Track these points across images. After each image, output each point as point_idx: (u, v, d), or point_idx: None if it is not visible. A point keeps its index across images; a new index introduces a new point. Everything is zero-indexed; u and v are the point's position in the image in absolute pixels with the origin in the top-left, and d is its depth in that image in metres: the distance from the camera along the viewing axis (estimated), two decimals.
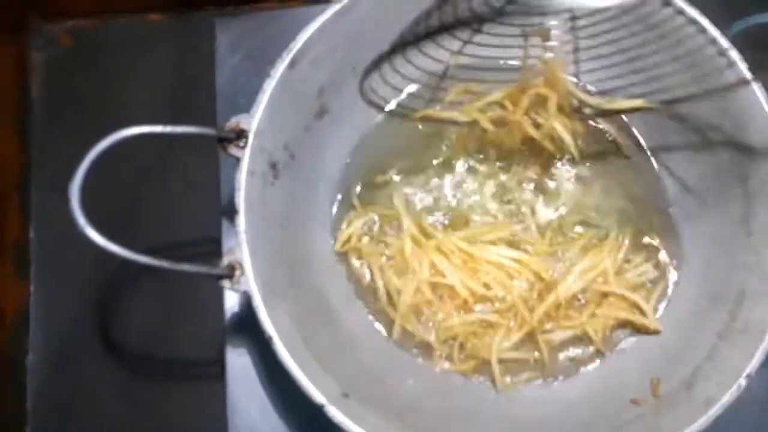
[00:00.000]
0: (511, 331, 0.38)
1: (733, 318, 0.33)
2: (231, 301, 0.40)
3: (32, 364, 0.43)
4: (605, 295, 0.38)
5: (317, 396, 0.30)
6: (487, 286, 0.38)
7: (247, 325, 0.39)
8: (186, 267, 0.30)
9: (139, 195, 0.45)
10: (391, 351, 0.38)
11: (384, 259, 0.39)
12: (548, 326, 0.38)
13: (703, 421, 0.30)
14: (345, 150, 0.39)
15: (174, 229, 0.44)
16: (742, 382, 0.30)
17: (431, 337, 0.38)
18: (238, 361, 0.39)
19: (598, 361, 0.38)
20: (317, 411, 0.30)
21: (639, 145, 0.42)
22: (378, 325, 0.39)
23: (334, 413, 0.30)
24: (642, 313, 0.37)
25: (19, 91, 0.48)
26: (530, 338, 0.38)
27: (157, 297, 0.44)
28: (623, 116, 0.42)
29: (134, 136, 0.30)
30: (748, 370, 0.30)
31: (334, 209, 0.39)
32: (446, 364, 0.38)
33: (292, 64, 0.33)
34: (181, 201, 0.45)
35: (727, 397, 0.30)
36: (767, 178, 0.34)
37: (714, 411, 0.30)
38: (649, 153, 0.41)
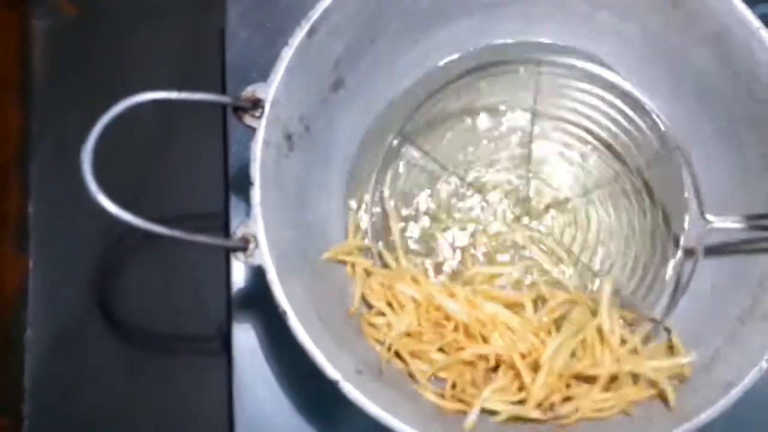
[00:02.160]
0: (509, 388, 0.34)
1: (756, 302, 0.33)
2: (237, 276, 0.40)
3: (31, 340, 0.43)
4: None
5: (332, 372, 0.30)
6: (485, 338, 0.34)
7: (253, 300, 0.39)
8: (200, 238, 0.29)
9: (141, 169, 0.44)
10: None
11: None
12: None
13: (723, 403, 0.29)
14: (360, 124, 0.39)
15: (177, 204, 0.43)
16: (764, 365, 0.30)
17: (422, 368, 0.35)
18: (244, 337, 0.39)
19: None
20: (325, 388, 0.29)
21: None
22: None
23: (349, 389, 0.30)
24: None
25: (20, 62, 0.47)
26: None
27: (157, 272, 0.43)
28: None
29: (148, 101, 0.29)
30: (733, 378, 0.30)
31: (348, 183, 0.39)
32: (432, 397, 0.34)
33: (311, 33, 0.32)
34: (183, 175, 0.44)
35: (747, 380, 0.29)
36: None
37: (734, 393, 0.29)
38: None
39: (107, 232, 0.44)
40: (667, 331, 0.35)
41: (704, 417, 0.29)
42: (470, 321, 0.34)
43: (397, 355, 0.35)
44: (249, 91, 0.31)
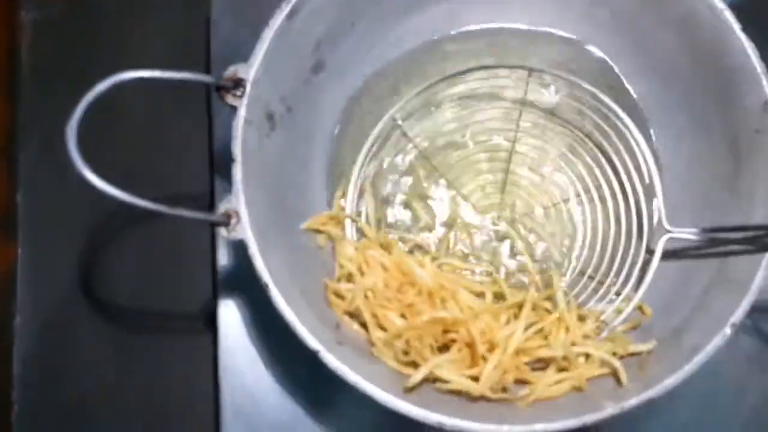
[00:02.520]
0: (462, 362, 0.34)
1: (720, 273, 0.34)
2: (223, 257, 0.40)
3: (19, 327, 0.43)
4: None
5: (313, 343, 0.30)
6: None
7: (238, 279, 0.40)
8: (183, 212, 0.30)
9: (127, 152, 0.45)
10: None
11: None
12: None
13: (689, 368, 0.30)
14: (341, 106, 0.40)
15: (163, 185, 0.44)
16: (728, 330, 0.31)
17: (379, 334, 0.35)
18: (230, 316, 0.39)
19: None
20: (309, 365, 0.30)
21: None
22: None
23: (330, 360, 0.30)
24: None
25: (8, 53, 0.47)
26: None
27: (144, 255, 0.44)
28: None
29: (132, 79, 0.30)
30: (733, 319, 0.31)
31: (329, 164, 0.40)
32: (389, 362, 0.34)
33: (291, 15, 0.33)
34: (169, 158, 0.45)
35: (712, 345, 0.31)
36: (755, 137, 0.35)
37: (700, 358, 0.30)
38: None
39: (94, 221, 0.44)
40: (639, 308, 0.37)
41: (669, 383, 0.30)
42: (434, 287, 0.34)
43: (363, 325, 0.35)
44: (231, 71, 0.32)
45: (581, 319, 0.36)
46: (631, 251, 0.39)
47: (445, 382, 0.33)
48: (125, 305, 0.44)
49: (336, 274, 0.37)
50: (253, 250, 0.31)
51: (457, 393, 0.33)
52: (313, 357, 0.31)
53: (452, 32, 0.41)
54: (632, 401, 0.30)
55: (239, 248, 0.32)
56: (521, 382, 0.34)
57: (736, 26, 0.35)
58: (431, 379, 0.33)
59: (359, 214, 0.40)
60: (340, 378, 0.31)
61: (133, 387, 0.42)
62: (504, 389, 0.33)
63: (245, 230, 0.31)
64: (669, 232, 0.36)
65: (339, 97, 0.39)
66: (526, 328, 0.34)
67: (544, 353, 0.34)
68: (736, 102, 0.35)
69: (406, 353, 0.34)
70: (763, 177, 0.34)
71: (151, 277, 0.44)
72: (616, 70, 0.42)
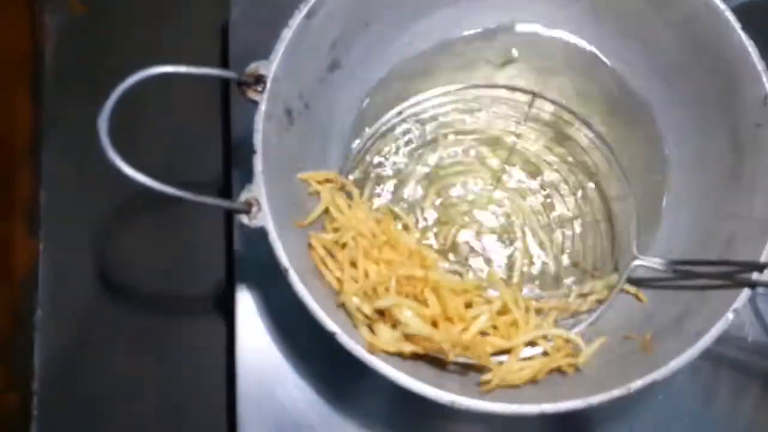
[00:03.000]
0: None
1: (722, 257, 0.35)
2: (238, 245, 0.42)
3: (40, 320, 0.45)
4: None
5: (330, 325, 0.32)
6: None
7: (254, 266, 0.41)
8: (207, 200, 0.32)
9: (146, 144, 0.46)
10: None
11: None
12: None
13: (693, 351, 0.31)
14: (356, 104, 0.41)
15: (181, 175, 0.45)
16: (730, 315, 0.32)
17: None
18: (246, 303, 0.41)
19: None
20: (324, 351, 0.31)
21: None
22: None
23: (346, 341, 0.32)
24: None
25: (32, 56, 0.49)
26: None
27: (160, 248, 0.46)
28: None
29: (160, 74, 0.32)
30: (735, 305, 0.32)
31: (343, 158, 0.41)
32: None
33: (309, 16, 0.35)
34: (185, 149, 0.47)
35: (716, 329, 0.32)
36: (756, 130, 0.36)
37: (703, 343, 0.31)
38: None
39: (112, 217, 0.46)
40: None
41: (674, 364, 0.31)
42: (415, 250, 0.35)
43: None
44: (252, 67, 0.34)
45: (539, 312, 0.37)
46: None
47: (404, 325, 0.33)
48: (143, 296, 0.45)
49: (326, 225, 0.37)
50: (273, 236, 0.32)
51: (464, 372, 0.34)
52: (328, 342, 0.32)
53: (464, 33, 0.43)
54: (638, 383, 0.31)
55: (254, 236, 0.33)
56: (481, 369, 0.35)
57: (737, 26, 0.36)
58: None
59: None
60: (355, 361, 0.32)
61: (150, 374, 0.44)
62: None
63: (266, 218, 0.32)
64: (636, 258, 0.38)
65: (354, 95, 0.41)
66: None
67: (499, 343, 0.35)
68: (738, 98, 0.37)
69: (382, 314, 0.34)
70: (764, 168, 0.35)
71: (167, 268, 0.45)
72: (621, 70, 0.43)
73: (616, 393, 0.31)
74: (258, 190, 0.33)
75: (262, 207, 0.32)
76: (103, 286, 0.45)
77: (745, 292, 0.32)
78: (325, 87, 0.38)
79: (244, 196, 0.33)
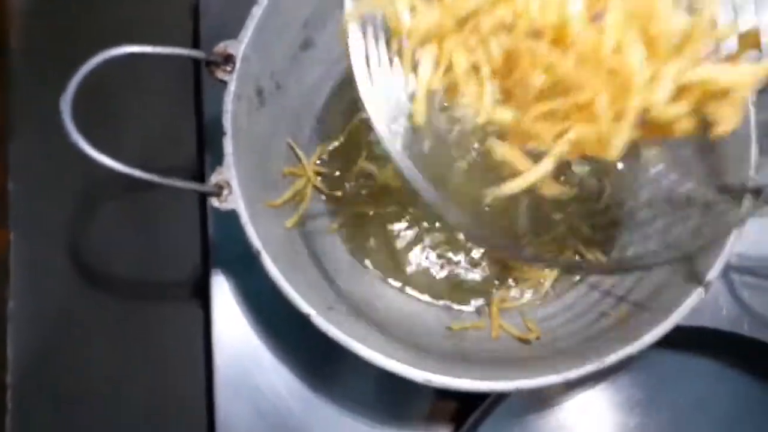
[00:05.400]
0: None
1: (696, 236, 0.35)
2: (212, 230, 0.41)
3: (13, 311, 0.44)
4: None
5: (304, 307, 0.31)
6: None
7: (228, 251, 0.41)
8: (176, 182, 0.31)
9: (117, 126, 0.46)
10: (365, 277, 0.40)
11: None
12: None
13: (666, 324, 0.32)
14: (329, 84, 0.41)
15: (153, 157, 0.45)
16: (701, 289, 0.32)
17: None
18: (221, 287, 0.41)
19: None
20: (300, 333, 0.31)
21: None
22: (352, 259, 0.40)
23: (321, 323, 0.31)
24: None
25: None
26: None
27: (138, 235, 0.45)
28: None
29: (124, 55, 0.31)
30: (708, 278, 0.32)
31: (317, 138, 0.41)
32: None
33: None
34: (157, 132, 0.46)
35: (687, 303, 0.32)
36: None
37: (675, 316, 0.32)
38: None
39: (88, 206, 0.45)
40: None
41: (648, 338, 0.32)
42: None
43: None
44: (221, 46, 0.33)
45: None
46: None
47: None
48: (119, 284, 0.45)
49: None
50: (245, 219, 0.32)
51: None
52: (305, 326, 0.31)
53: None
54: (611, 357, 0.31)
55: (229, 220, 0.32)
56: None
57: None
58: None
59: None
60: (332, 343, 0.32)
61: (128, 363, 0.43)
62: None
63: (237, 200, 0.32)
64: None
65: (328, 74, 0.40)
66: None
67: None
68: None
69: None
70: None
71: (143, 256, 0.45)
72: None
73: (590, 367, 0.31)
74: (228, 172, 0.32)
75: (232, 189, 0.32)
76: (78, 275, 0.44)
77: (717, 267, 0.32)
78: (297, 66, 0.38)
79: (214, 179, 0.32)
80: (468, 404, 0.38)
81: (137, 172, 0.30)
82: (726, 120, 0.24)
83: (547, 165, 0.24)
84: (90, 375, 0.43)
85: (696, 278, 0.32)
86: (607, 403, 0.42)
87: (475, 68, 0.24)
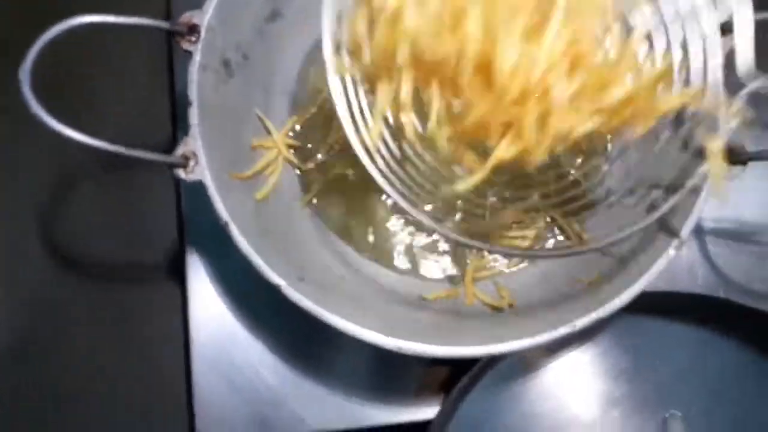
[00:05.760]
0: None
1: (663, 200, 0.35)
2: (185, 205, 0.41)
3: None
4: None
5: (274, 278, 0.31)
6: None
7: (203, 228, 0.40)
8: (140, 154, 0.31)
9: (88, 97, 0.45)
10: (336, 249, 0.39)
11: None
12: None
13: (635, 288, 0.32)
14: (299, 56, 0.40)
15: (125, 131, 0.44)
16: (671, 251, 0.32)
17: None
18: (197, 265, 0.40)
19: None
20: (276, 308, 0.30)
21: None
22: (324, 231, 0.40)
23: (292, 294, 0.31)
24: None
25: None
26: None
27: (113, 214, 0.44)
28: None
29: (86, 24, 0.30)
30: (676, 242, 0.32)
31: (289, 109, 0.40)
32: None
33: None
34: (130, 104, 0.45)
35: (657, 266, 0.32)
36: None
37: (645, 278, 0.32)
38: None
39: (60, 186, 0.45)
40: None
41: (618, 302, 0.32)
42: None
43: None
44: (186, 16, 0.33)
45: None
46: None
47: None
48: (95, 265, 0.44)
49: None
50: (212, 190, 0.32)
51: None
52: (279, 301, 0.31)
53: None
54: (583, 320, 0.31)
55: (203, 196, 0.32)
56: None
57: None
58: None
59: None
60: (305, 315, 0.31)
61: (107, 346, 0.43)
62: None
63: (203, 171, 0.32)
64: None
65: (298, 46, 0.40)
66: None
67: None
68: None
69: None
70: None
71: (118, 235, 0.44)
72: None
73: (562, 330, 0.31)
74: (194, 142, 0.32)
75: (199, 160, 0.32)
76: (52, 257, 0.44)
77: (687, 228, 0.32)
78: (264, 38, 0.37)
79: (180, 150, 0.32)
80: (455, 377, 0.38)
81: (100, 143, 0.29)
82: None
83: (483, 172, 0.28)
84: (68, 361, 0.43)
85: (668, 239, 0.33)
86: (594, 370, 0.42)
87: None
